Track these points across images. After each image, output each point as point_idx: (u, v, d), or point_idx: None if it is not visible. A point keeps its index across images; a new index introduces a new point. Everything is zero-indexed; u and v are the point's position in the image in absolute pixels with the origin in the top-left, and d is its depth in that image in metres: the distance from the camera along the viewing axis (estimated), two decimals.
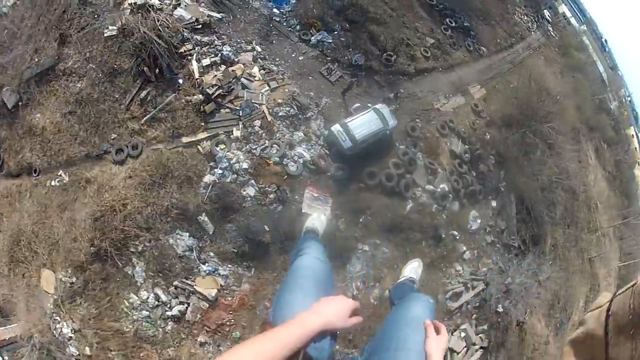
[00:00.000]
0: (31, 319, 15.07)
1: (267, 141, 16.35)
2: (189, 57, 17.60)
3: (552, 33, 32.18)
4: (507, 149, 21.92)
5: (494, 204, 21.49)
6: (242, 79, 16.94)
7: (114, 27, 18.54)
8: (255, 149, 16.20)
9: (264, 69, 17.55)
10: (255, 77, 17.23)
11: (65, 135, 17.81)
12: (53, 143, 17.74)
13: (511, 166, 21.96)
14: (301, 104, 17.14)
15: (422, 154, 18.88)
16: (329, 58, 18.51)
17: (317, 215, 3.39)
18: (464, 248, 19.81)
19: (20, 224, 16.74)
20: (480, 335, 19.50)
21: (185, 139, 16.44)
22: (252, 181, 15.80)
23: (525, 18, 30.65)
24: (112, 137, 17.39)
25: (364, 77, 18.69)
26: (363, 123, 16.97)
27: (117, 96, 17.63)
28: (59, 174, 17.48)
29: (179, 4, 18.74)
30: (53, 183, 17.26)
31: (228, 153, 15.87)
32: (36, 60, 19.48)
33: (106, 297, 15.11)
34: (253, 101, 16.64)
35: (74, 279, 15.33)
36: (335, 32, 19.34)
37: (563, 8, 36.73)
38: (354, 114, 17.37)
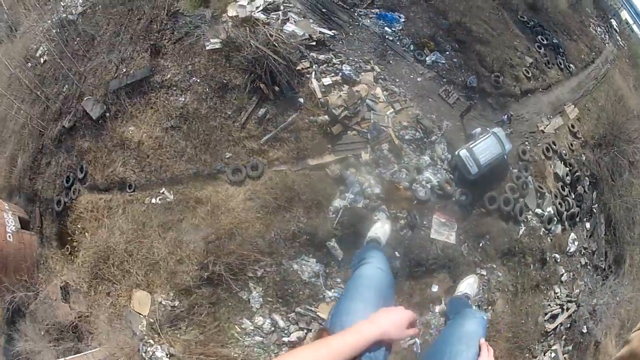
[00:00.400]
0: (116, 340, 14.82)
1: (395, 165, 16.27)
2: (307, 75, 17.37)
3: (621, 43, 31.98)
4: (599, 170, 21.95)
5: (587, 225, 21.60)
6: (368, 100, 16.78)
7: (217, 40, 18.24)
8: (385, 173, 16.13)
9: (386, 90, 17.38)
10: (379, 98, 17.07)
11: (168, 151, 17.49)
12: (153, 159, 17.39)
13: (603, 187, 22.01)
14: (425, 127, 17.05)
15: (532, 177, 18.86)
16: (445, 79, 18.33)
17: (380, 225, 3.39)
18: (563, 270, 19.96)
19: (110, 241, 16.33)
20: (565, 355, 19.79)
21: (311, 161, 16.27)
22: (383, 206, 15.76)
23: (599, 29, 30.43)
24: (227, 156, 17.12)
25: (478, 99, 18.53)
26: (486, 147, 16.93)
27: (229, 113, 17.36)
28: (161, 191, 17.14)
29: (287, 19, 18.45)
30: (154, 201, 16.91)
31: (359, 177, 15.79)
32: (124, 70, 19.13)
33: (214, 322, 14.94)
34: (380, 124, 16.51)
35: (176, 302, 15.14)
36: (447, 52, 19.15)
37: (625, 14, 36.33)
38: (475, 138, 17.29)
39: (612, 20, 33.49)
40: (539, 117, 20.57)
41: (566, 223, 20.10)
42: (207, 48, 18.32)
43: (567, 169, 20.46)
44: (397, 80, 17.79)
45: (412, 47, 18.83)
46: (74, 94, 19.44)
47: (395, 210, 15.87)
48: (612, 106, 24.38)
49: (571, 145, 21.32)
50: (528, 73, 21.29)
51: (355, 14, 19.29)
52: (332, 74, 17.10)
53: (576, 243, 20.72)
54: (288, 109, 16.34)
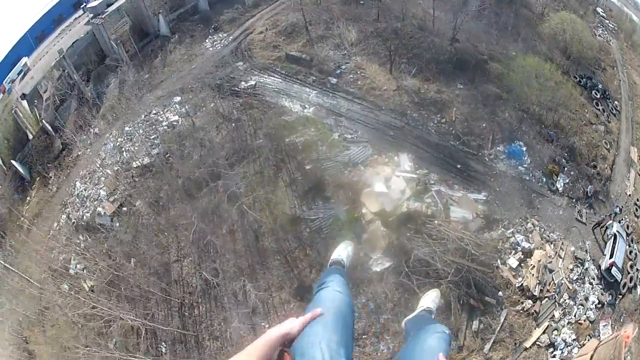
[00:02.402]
0: None
1: (574, 307, 19.06)
2: (493, 264, 18.25)
3: (611, 25, 35.29)
4: None
5: None
6: (548, 264, 18.68)
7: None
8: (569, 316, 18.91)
9: (548, 241, 19.25)
10: (549, 255, 19.00)
11: None
12: None
13: None
14: (582, 259, 19.68)
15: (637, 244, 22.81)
16: (574, 200, 20.53)
17: (344, 247, 3.47)
18: None
19: None
20: None
21: (526, 343, 18.00)
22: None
23: (600, 31, 33.20)
24: None
25: (593, 202, 21.22)
26: (620, 252, 20.31)
27: None
28: None
29: (445, 201, 18.51)
30: None
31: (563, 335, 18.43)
32: None
33: None
34: (558, 279, 18.77)
35: None
36: (565, 168, 21.00)
37: None
38: (611, 248, 20.34)
39: (598, 8, 36.04)
40: (623, 184, 23.84)
41: None
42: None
43: None
44: (550, 224, 19.66)
45: (544, 180, 20.34)
46: None
47: None
48: None
49: None
50: (607, 145, 23.95)
51: (486, 159, 19.89)
52: (512, 251, 18.34)
53: None
54: (494, 308, 17.60)
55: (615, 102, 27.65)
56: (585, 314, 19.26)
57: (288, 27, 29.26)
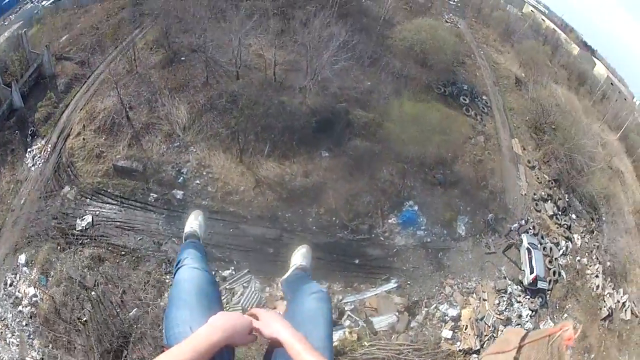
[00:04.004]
0: None
1: None
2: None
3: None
4: (562, 173, 27.36)
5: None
6: (477, 315, 18.54)
7: None
8: None
9: (470, 293, 19.12)
10: (475, 307, 18.84)
11: None
12: None
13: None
14: (505, 289, 19.85)
15: (547, 237, 23.62)
16: (477, 235, 20.66)
17: (194, 217, 3.31)
18: None
19: None
20: None
21: None
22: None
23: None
24: None
25: (495, 225, 21.54)
26: (538, 260, 20.94)
27: None
28: None
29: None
30: None
31: None
32: None
33: None
34: (493, 318, 18.72)
35: None
36: (462, 208, 20.82)
37: None
38: (530, 262, 20.80)
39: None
40: (516, 187, 24.35)
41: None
42: None
43: (552, 204, 25.33)
44: (465, 274, 19.45)
45: (445, 232, 19.96)
46: None
47: None
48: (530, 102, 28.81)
49: (537, 177, 25.99)
50: (490, 154, 24.17)
51: (382, 240, 19.02)
52: (442, 324, 18.04)
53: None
54: None
55: (484, 97, 28.03)
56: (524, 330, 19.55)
57: (107, 119, 23.38)
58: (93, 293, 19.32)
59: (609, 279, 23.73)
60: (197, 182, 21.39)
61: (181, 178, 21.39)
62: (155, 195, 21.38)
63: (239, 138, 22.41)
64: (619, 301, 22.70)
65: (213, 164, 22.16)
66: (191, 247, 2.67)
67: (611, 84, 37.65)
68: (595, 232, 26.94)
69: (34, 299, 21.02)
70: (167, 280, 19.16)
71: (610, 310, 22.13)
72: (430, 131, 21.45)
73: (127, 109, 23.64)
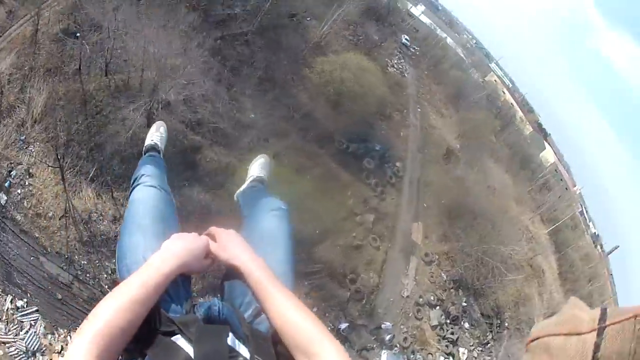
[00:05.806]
0: None
1: None
2: None
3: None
4: (467, 274, 22.47)
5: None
6: None
7: None
8: None
9: None
10: None
11: None
12: None
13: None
14: None
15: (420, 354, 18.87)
16: None
17: (155, 129, 3.06)
18: None
19: None
20: None
21: None
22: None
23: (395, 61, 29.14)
24: None
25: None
26: None
27: None
28: None
29: None
30: None
31: None
32: None
33: None
34: None
35: None
36: None
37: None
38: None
39: (403, 36, 32.25)
40: (397, 285, 19.51)
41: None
42: None
43: (440, 311, 20.63)
44: None
45: None
46: None
47: None
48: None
49: (431, 276, 21.30)
50: (375, 241, 19.22)
51: None
52: None
53: None
54: None
55: (397, 164, 23.25)
56: None
57: None
58: None
59: None
60: (18, 191, 17.22)
61: (8, 181, 17.18)
62: None
63: (58, 150, 17.66)
64: None
65: (37, 174, 17.57)
66: (149, 163, 2.47)
67: (555, 170, 34.40)
68: (490, 343, 22.50)
69: None
70: None
71: None
72: (300, 198, 16.42)
73: (7, 80, 18.59)
